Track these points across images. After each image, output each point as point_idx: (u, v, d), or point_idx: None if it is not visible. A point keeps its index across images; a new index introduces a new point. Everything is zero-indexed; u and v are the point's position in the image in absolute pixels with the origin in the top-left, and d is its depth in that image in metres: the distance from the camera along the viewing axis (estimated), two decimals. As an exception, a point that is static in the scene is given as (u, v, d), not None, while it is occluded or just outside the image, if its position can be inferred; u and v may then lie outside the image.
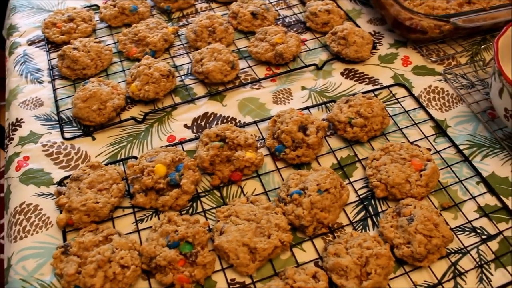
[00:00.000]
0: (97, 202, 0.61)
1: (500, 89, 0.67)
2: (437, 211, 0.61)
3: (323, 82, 0.80)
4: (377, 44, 0.86)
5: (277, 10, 0.93)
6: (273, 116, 0.71)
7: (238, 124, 0.73)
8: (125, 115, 0.75)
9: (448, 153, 0.70)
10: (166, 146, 0.70)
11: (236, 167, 0.66)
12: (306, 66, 0.81)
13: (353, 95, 0.74)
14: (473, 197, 0.65)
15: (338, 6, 0.92)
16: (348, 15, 0.91)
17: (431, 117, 0.74)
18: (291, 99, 0.77)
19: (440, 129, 0.72)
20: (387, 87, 0.78)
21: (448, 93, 0.78)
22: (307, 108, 0.75)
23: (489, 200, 0.64)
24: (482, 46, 0.86)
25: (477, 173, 0.67)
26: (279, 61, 0.80)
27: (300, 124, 0.68)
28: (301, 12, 0.92)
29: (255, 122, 0.73)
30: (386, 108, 0.75)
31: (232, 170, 0.66)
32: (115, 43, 0.86)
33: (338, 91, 0.78)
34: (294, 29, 0.89)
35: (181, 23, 0.90)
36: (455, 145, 0.70)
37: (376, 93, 0.77)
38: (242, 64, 0.82)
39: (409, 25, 0.81)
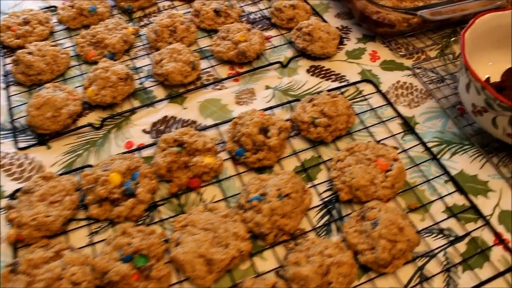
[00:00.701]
0: (49, 216, 0.58)
1: (467, 84, 0.65)
2: (403, 213, 0.58)
3: (288, 80, 0.77)
4: (345, 39, 0.83)
5: (241, 7, 0.89)
6: (234, 118, 0.69)
7: (198, 127, 0.70)
8: (83, 121, 0.72)
9: (416, 151, 0.67)
10: (124, 153, 0.67)
11: (195, 173, 0.63)
12: (270, 64, 0.78)
13: (318, 93, 0.71)
14: (441, 197, 0.62)
15: (305, 1, 0.89)
16: (314, 9, 0.88)
17: (399, 114, 0.71)
18: (255, 99, 0.74)
19: (408, 126, 0.70)
20: (354, 83, 0.76)
21: (417, 88, 0.76)
22: (270, 108, 0.72)
23: (458, 199, 0.62)
24: (452, 39, 0.83)
25: (445, 172, 0.65)
26: (242, 59, 0.77)
27: (261, 126, 0.65)
28: (266, 8, 0.89)
29: (216, 125, 0.70)
30: (353, 106, 0.72)
31: (190, 177, 0.63)
32: (73, 46, 0.82)
33: (304, 89, 0.76)
34: (259, 26, 0.86)
35: (142, 23, 0.87)
36: (423, 143, 0.68)
37: (342, 90, 0.75)
38: (204, 64, 0.79)
39: (376, 19, 0.79)
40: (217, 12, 0.83)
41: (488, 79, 0.71)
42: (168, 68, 0.73)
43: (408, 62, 0.80)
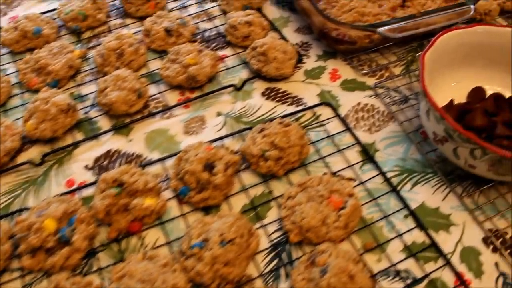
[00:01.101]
0: (-24, 269, 0.54)
1: (427, 110, 0.60)
2: (357, 256, 0.54)
3: (241, 105, 0.72)
4: (304, 57, 0.78)
5: (196, 23, 0.84)
6: (180, 151, 0.64)
7: (143, 162, 0.66)
8: (23, 157, 0.67)
9: (375, 183, 0.63)
10: (64, 193, 0.63)
11: (135, 216, 0.59)
12: (222, 88, 0.73)
13: (271, 120, 0.66)
14: (400, 235, 0.58)
15: (263, 15, 0.84)
16: (273, 24, 0.83)
17: (358, 141, 0.67)
18: (205, 128, 0.69)
19: (367, 155, 0.65)
20: (311, 107, 0.71)
21: (379, 110, 0.71)
22: (220, 138, 0.67)
23: (417, 236, 0.58)
24: (418, 54, 0.78)
25: (405, 206, 0.60)
26: (192, 84, 0.72)
27: (206, 162, 0.61)
28: (222, 24, 0.84)
29: (161, 160, 0.65)
30: (309, 133, 0.68)
31: (131, 220, 0.59)
32: (17, 71, 0.77)
33: (258, 115, 0.71)
34: (215, 44, 0.81)
35: (91, 44, 0.82)
36: (382, 173, 0.63)
37: (298, 115, 0.70)
38: (153, 89, 0.74)
39: (336, 36, 0.74)
40: (168, 31, 0.78)
41: (451, 102, 0.66)
42: (112, 98, 0.68)
43: (371, 81, 0.75)
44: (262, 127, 0.65)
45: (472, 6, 0.75)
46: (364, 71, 0.76)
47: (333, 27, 0.73)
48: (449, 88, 0.68)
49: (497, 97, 0.67)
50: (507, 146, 0.60)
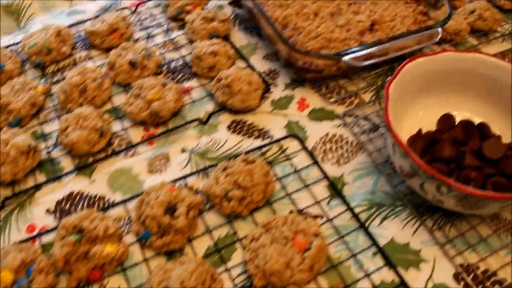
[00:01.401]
0: None
1: (393, 144, 0.59)
2: (322, 300, 0.53)
3: (207, 140, 0.70)
4: (271, 86, 0.77)
5: (162, 53, 0.83)
6: (143, 192, 0.62)
7: (105, 205, 0.64)
8: (-17, 201, 0.66)
9: (343, 219, 0.61)
10: (23, 240, 0.61)
11: (95, 264, 0.57)
12: (187, 122, 0.71)
13: (235, 157, 0.64)
14: (368, 274, 0.56)
15: (230, 43, 0.82)
16: (240, 52, 0.81)
17: (325, 175, 0.65)
18: (169, 165, 0.68)
19: (335, 189, 0.64)
20: (277, 141, 0.69)
21: (348, 141, 0.70)
22: (184, 177, 0.65)
23: (386, 275, 0.56)
24: (388, 79, 0.77)
25: (374, 243, 0.59)
26: (155, 120, 0.71)
27: (167, 205, 0.59)
28: (189, 54, 0.82)
29: (123, 202, 0.64)
30: (275, 168, 0.66)
31: (91, 268, 0.57)
32: (-22, 110, 0.76)
33: (223, 149, 0.69)
34: (181, 75, 0.79)
35: (56, 78, 0.80)
36: (350, 209, 0.62)
37: (264, 149, 0.68)
38: (118, 125, 0.72)
39: (302, 65, 0.72)
40: (132, 64, 0.76)
41: (419, 131, 0.64)
42: (73, 138, 0.66)
43: (340, 109, 0.74)
44: (225, 165, 0.63)
45: (439, 29, 0.74)
46: (332, 100, 0.74)
47: (299, 57, 0.71)
48: (418, 116, 0.67)
49: (466, 124, 0.66)
50: (475, 178, 0.58)
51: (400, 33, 0.76)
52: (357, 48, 0.70)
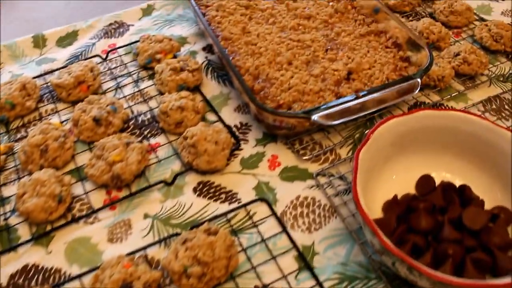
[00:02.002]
0: None
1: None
2: None
3: (171, 203, 0.66)
4: (242, 142, 0.73)
5: (130, 106, 0.79)
6: (98, 267, 0.58)
7: (61, 279, 0.60)
8: None
9: (311, 296, 0.57)
10: (-28, 320, 0.57)
11: None
12: (150, 186, 0.67)
13: (199, 225, 0.60)
14: None
15: (201, 94, 0.79)
16: (210, 105, 0.77)
17: (294, 245, 0.61)
18: (130, 233, 0.63)
19: (304, 261, 0.59)
20: (244, 205, 0.65)
21: (320, 203, 0.65)
22: (144, 248, 0.61)
23: None
24: (367, 131, 0.73)
25: (344, 325, 0.54)
26: (117, 184, 0.67)
27: (122, 283, 0.55)
28: (158, 106, 0.78)
29: (79, 276, 0.60)
30: (241, 236, 0.62)
31: None
32: None
33: (188, 215, 0.65)
34: (148, 130, 0.75)
35: (19, 135, 0.76)
36: (319, 284, 0.57)
37: (230, 215, 0.64)
38: (79, 188, 0.68)
39: (273, 123, 0.68)
40: (97, 121, 0.73)
41: (395, 197, 0.60)
42: (29, 206, 0.63)
43: (313, 167, 0.69)
44: (185, 237, 0.59)
45: (418, 80, 0.69)
46: (306, 157, 0.70)
47: (267, 114, 0.67)
48: (393, 180, 0.63)
49: (446, 186, 0.61)
50: (453, 254, 0.54)
51: (378, 84, 0.72)
52: (328, 105, 0.66)
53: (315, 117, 0.64)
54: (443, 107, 0.77)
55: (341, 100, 0.66)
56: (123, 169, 0.66)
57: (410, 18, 0.96)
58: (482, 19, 0.96)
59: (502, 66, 0.86)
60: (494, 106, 0.78)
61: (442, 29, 0.87)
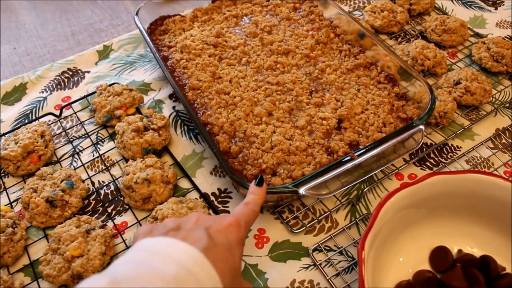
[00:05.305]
0: None
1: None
2: None
3: None
4: (222, 214, 0.63)
5: (90, 177, 0.67)
6: None
7: None
8: None
9: None
10: None
11: None
12: (119, 283, 0.57)
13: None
14: None
15: (171, 156, 0.68)
16: (185, 172, 0.67)
17: None
18: None
19: None
20: (232, 300, 0.55)
21: (320, 286, 0.56)
22: None
23: None
24: (366, 188, 0.63)
25: None
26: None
27: None
28: (122, 175, 0.67)
29: None
30: None
31: None
32: None
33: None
34: (112, 207, 0.64)
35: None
36: None
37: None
38: (34, 290, 0.58)
39: (256, 191, 0.58)
40: (50, 202, 0.62)
41: (408, 282, 0.51)
42: (-28, 325, 0.52)
43: (308, 239, 0.59)
44: None
45: (421, 127, 0.60)
46: (297, 229, 0.60)
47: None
48: (405, 253, 0.53)
49: (466, 262, 0.52)
50: None
51: (374, 132, 0.63)
52: (317, 172, 0.55)
53: (302, 191, 0.54)
54: (450, 151, 0.68)
55: (332, 165, 0.56)
56: (84, 266, 0.56)
57: (400, 39, 0.87)
58: (478, 34, 0.87)
59: (506, 90, 0.77)
60: (504, 141, 0.69)
61: (437, 52, 0.78)
